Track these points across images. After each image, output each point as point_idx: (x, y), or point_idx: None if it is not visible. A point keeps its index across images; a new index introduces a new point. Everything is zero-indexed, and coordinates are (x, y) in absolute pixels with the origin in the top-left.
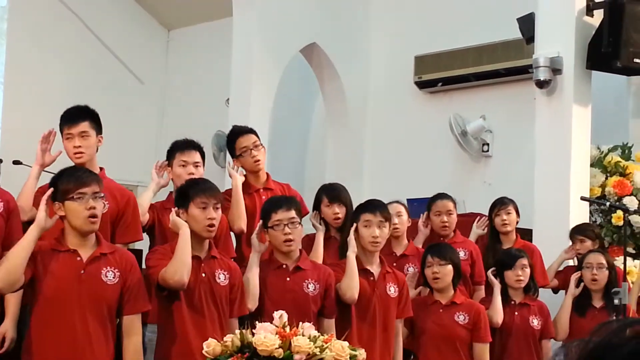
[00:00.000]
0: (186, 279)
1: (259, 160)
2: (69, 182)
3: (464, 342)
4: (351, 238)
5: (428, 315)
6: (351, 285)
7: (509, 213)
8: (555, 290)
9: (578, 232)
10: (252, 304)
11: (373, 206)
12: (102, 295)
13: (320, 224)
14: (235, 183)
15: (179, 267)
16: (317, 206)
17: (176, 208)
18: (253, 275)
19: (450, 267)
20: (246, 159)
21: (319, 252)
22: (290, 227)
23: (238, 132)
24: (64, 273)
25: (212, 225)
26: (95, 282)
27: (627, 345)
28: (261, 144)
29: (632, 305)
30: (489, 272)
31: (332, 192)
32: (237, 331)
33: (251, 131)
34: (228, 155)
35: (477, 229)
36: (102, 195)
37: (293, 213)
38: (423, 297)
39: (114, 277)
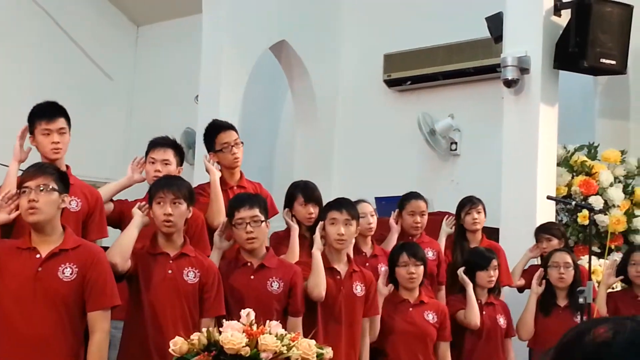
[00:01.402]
0: (118, 261)
1: (238, 158)
2: (22, 176)
3: (433, 341)
4: (317, 236)
5: (397, 314)
6: (317, 283)
7: (479, 212)
8: (521, 290)
9: (544, 231)
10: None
11: (339, 204)
12: (58, 293)
13: (292, 222)
14: (213, 178)
15: (114, 249)
16: (289, 204)
17: (141, 203)
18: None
19: (422, 267)
20: (226, 155)
21: (295, 251)
22: (252, 226)
23: (220, 126)
24: (21, 271)
25: (167, 221)
26: (51, 279)
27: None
28: (241, 142)
29: (602, 308)
30: (460, 272)
31: (308, 192)
32: (204, 329)
33: (233, 127)
34: (198, 151)
35: (447, 227)
36: (50, 188)
37: (256, 211)
38: (389, 296)
39: (71, 274)
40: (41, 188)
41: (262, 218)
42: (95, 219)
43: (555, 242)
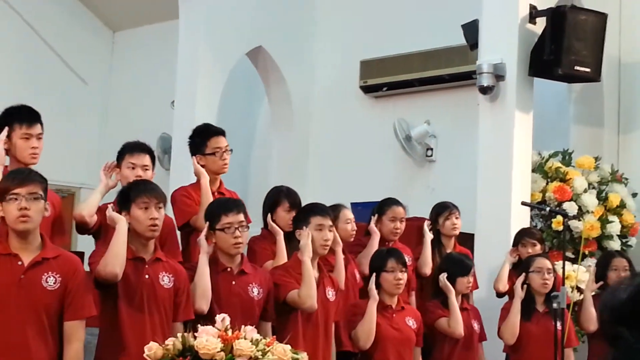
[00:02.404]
0: (119, 271)
1: (227, 165)
2: (6, 182)
3: (413, 346)
4: (307, 244)
5: (383, 320)
6: (310, 294)
7: (457, 217)
8: (501, 295)
9: (530, 236)
10: (205, 305)
11: (324, 210)
12: (42, 301)
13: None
14: (205, 182)
15: (111, 259)
16: (272, 208)
17: (112, 206)
18: (205, 276)
19: (406, 273)
20: (215, 160)
21: (283, 256)
22: (240, 231)
23: (215, 131)
24: (3, 278)
25: (154, 225)
26: (35, 287)
27: None
28: (230, 150)
29: (590, 310)
30: (443, 278)
31: (294, 199)
32: (179, 334)
33: (224, 134)
34: (174, 156)
35: (429, 233)
36: (39, 196)
37: (242, 217)
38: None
39: (54, 283)
40: (33, 196)
41: (246, 224)
42: (61, 224)
43: (538, 247)
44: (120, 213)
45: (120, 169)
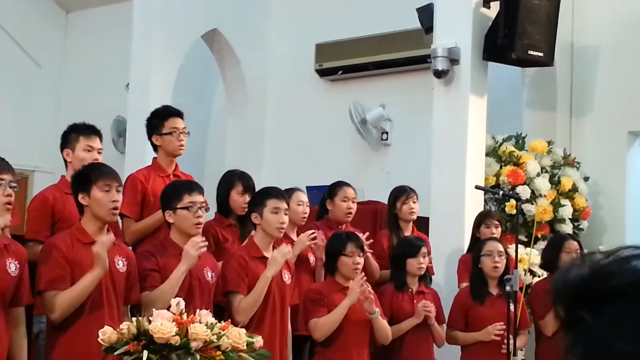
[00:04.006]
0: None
1: (183, 146)
2: None
3: (369, 327)
4: (278, 262)
5: (340, 301)
6: (249, 311)
7: (415, 202)
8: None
9: (493, 217)
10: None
11: (280, 193)
12: (6, 287)
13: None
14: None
15: (74, 301)
16: (226, 191)
17: (106, 241)
18: (176, 285)
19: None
20: (172, 141)
21: None
22: (202, 211)
23: (173, 112)
24: None
25: (116, 208)
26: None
27: (627, 277)
28: (188, 132)
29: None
30: (420, 307)
31: (248, 182)
32: (134, 319)
33: (182, 116)
34: (129, 139)
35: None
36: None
37: (203, 198)
38: (330, 283)
39: (15, 269)
40: (14, 185)
41: (206, 206)
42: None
43: (500, 229)
44: (77, 195)
45: (72, 150)
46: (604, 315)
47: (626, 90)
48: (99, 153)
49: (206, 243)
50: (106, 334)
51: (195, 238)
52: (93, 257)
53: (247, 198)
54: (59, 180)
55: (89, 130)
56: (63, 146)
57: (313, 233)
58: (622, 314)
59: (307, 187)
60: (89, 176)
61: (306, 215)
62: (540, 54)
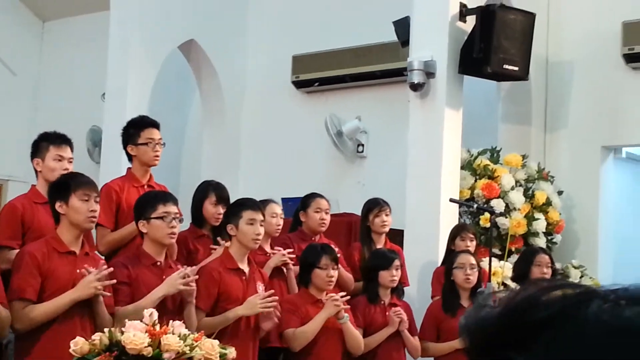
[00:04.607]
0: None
1: (158, 157)
2: None
3: (341, 337)
4: (255, 304)
5: (314, 313)
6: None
7: (387, 215)
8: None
9: (468, 230)
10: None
11: (256, 204)
12: None
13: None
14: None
15: (45, 317)
16: (199, 201)
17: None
18: (152, 303)
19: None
20: (147, 151)
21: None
22: (176, 222)
23: (149, 122)
24: None
25: (94, 217)
26: None
27: (551, 307)
28: (163, 143)
29: None
30: (392, 315)
31: (222, 193)
32: (106, 329)
33: (159, 127)
34: (105, 149)
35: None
36: None
37: (177, 209)
38: (304, 295)
39: None
40: None
41: (180, 217)
42: None
43: (475, 242)
44: (54, 203)
45: (42, 160)
46: (533, 350)
47: (600, 105)
48: (70, 162)
49: (194, 280)
50: (78, 344)
51: (188, 271)
52: (81, 282)
53: (221, 209)
54: (28, 190)
55: (60, 140)
56: (33, 155)
57: (290, 252)
58: (552, 345)
59: (282, 199)
60: (68, 184)
61: (280, 227)
62: (516, 68)
